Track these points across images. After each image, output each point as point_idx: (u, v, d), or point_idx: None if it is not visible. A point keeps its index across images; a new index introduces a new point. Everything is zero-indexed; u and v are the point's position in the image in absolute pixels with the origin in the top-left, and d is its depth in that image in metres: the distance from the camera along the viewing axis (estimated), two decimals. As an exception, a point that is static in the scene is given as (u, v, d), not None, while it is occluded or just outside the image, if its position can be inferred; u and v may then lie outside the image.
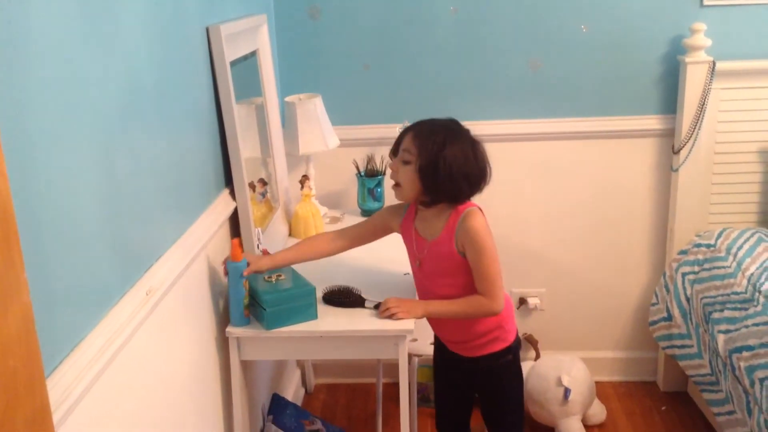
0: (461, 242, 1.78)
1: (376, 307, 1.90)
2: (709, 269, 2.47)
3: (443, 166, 1.72)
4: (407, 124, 2.64)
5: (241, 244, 1.86)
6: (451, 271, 1.82)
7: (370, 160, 2.67)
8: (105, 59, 1.28)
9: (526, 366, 2.69)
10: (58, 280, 1.10)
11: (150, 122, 1.48)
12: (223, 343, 1.89)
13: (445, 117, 1.84)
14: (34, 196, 1.04)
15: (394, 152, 1.83)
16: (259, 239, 2.05)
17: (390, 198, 2.69)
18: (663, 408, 2.80)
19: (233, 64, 1.97)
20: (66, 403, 1.07)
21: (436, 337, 2.05)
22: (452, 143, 1.74)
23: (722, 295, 2.33)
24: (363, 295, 1.94)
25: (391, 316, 1.84)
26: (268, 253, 2.10)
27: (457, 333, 1.93)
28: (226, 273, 1.84)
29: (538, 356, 2.88)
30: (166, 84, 1.58)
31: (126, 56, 1.38)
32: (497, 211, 2.79)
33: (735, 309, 2.23)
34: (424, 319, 2.58)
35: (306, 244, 2.00)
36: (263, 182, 2.32)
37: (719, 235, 2.56)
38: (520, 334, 2.92)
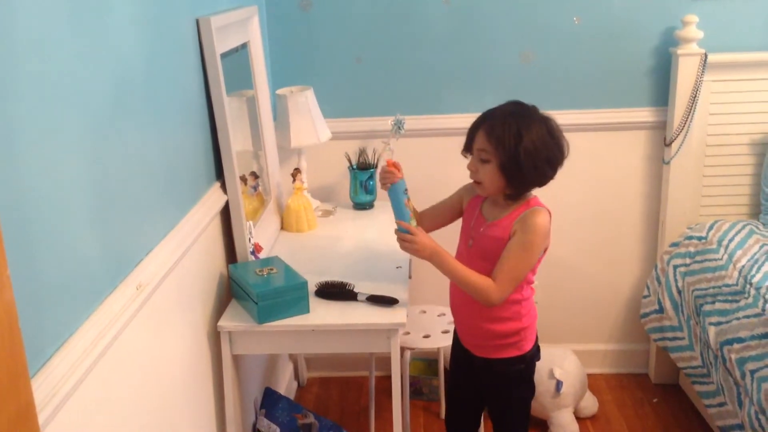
0: (517, 227, 1.74)
1: (369, 300, 1.90)
2: (701, 261, 2.48)
3: (525, 159, 1.67)
4: (399, 117, 2.64)
5: (396, 164, 1.86)
6: (495, 257, 1.77)
7: (362, 152, 2.66)
8: (93, 52, 1.27)
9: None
10: (45, 275, 1.09)
11: (139, 115, 1.47)
12: (215, 338, 1.89)
13: (508, 101, 1.77)
14: (20, 191, 1.03)
15: (467, 149, 1.78)
16: (250, 233, 2.04)
17: (381, 192, 2.68)
18: (654, 400, 2.81)
19: (224, 56, 1.96)
20: (55, 399, 1.06)
21: (454, 331, 2.01)
22: (527, 132, 1.67)
23: (713, 288, 2.33)
24: (355, 289, 1.94)
25: (401, 241, 1.80)
26: (261, 248, 2.10)
27: (476, 331, 1.87)
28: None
29: (530, 349, 2.89)
30: (156, 76, 1.56)
31: (114, 49, 1.36)
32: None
33: (726, 301, 2.24)
34: (417, 314, 2.58)
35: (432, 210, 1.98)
36: (255, 175, 2.30)
37: (711, 228, 2.57)
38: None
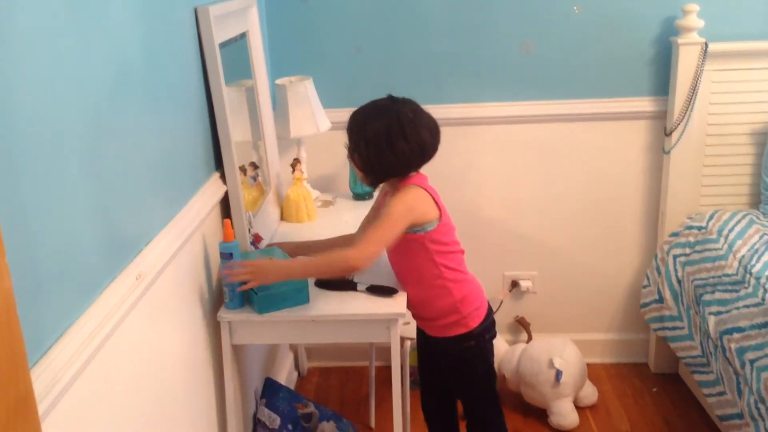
0: (388, 200, 1.83)
1: (369, 290, 1.90)
2: (701, 251, 2.48)
3: (365, 147, 1.79)
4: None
5: (232, 225, 1.85)
6: None
7: (361, 143, 2.66)
8: (91, 41, 1.26)
9: (517, 348, 2.71)
10: (45, 265, 1.09)
11: (138, 105, 1.47)
12: (215, 328, 1.89)
13: (382, 97, 1.87)
14: (19, 180, 1.02)
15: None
16: (250, 223, 2.04)
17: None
18: (654, 389, 2.82)
19: (222, 45, 1.95)
20: (55, 389, 1.06)
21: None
22: (373, 122, 1.79)
23: (713, 277, 2.33)
24: (355, 279, 1.94)
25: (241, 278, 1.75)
26: (261, 239, 2.10)
27: (419, 309, 1.95)
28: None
29: (530, 339, 2.89)
30: (154, 66, 1.56)
31: (113, 38, 1.36)
32: (489, 192, 2.79)
33: (726, 291, 2.24)
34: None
35: (326, 242, 2.04)
36: (254, 166, 2.30)
37: (711, 218, 2.57)
38: (512, 317, 2.95)
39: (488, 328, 1.95)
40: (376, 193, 2.64)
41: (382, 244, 1.77)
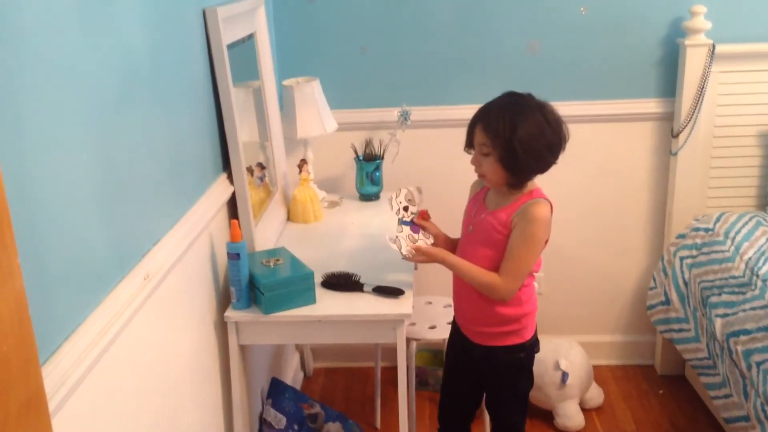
0: (517, 220, 1.77)
1: (375, 291, 1.91)
2: (707, 253, 2.47)
3: (521, 149, 1.70)
4: (406, 107, 2.64)
5: (239, 226, 1.86)
6: (496, 243, 1.80)
7: (368, 143, 2.66)
8: (100, 42, 1.27)
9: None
10: (54, 265, 1.10)
11: (146, 106, 1.48)
12: (222, 328, 1.89)
13: (503, 93, 1.81)
14: (29, 181, 1.03)
15: (469, 145, 1.82)
16: (413, 198, 1.98)
17: (388, 182, 2.69)
18: (660, 391, 2.82)
19: (230, 47, 1.96)
20: (64, 387, 1.07)
21: (453, 322, 2.02)
22: (523, 121, 1.71)
23: (720, 279, 2.33)
24: (361, 280, 1.94)
25: (408, 254, 1.86)
26: (428, 216, 2.01)
27: (477, 318, 1.88)
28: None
29: (536, 340, 2.89)
30: (163, 67, 1.56)
31: (122, 39, 1.36)
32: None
33: (732, 293, 2.24)
34: (422, 305, 2.58)
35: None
36: (261, 166, 2.31)
37: (717, 219, 2.56)
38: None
39: (537, 341, 1.93)
40: (382, 194, 2.65)
41: (527, 274, 1.79)
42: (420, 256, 1.86)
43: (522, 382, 1.93)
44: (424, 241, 1.93)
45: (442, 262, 1.84)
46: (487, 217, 1.82)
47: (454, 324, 2.01)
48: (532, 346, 1.90)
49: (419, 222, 1.93)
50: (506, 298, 1.79)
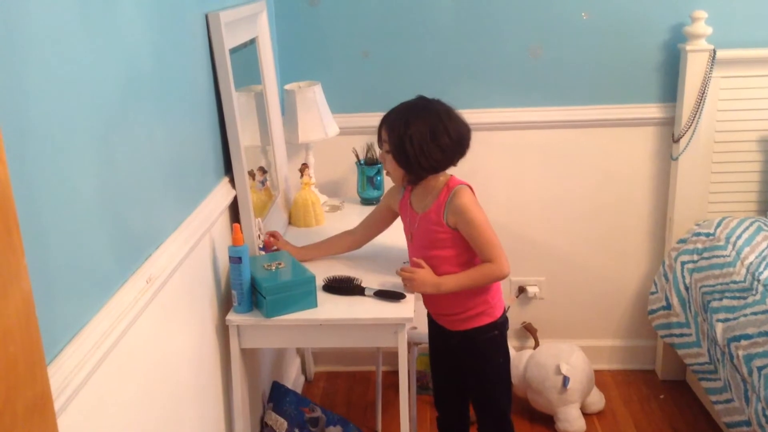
0: (452, 219, 1.87)
1: (376, 294, 1.91)
2: (709, 258, 2.47)
3: (410, 144, 1.83)
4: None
5: (241, 230, 1.87)
6: (439, 242, 1.90)
7: (369, 148, 2.67)
8: (103, 46, 1.28)
9: (524, 354, 2.70)
10: (58, 267, 1.10)
11: (149, 110, 1.48)
12: (224, 331, 1.89)
13: (413, 98, 1.94)
14: (33, 184, 1.04)
15: (379, 142, 1.96)
16: (260, 229, 2.05)
17: (389, 187, 2.69)
18: (661, 396, 2.81)
19: (232, 51, 1.97)
20: (68, 389, 1.07)
21: (428, 314, 2.10)
22: (415, 120, 1.84)
23: (721, 284, 2.33)
24: (363, 284, 1.95)
25: (404, 281, 1.92)
26: (274, 237, 2.11)
27: (444, 304, 1.98)
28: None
29: (537, 345, 2.89)
30: (165, 71, 1.57)
31: (124, 43, 1.37)
32: (497, 198, 2.80)
33: (734, 298, 2.24)
34: (424, 309, 2.58)
35: (328, 241, 2.15)
36: (263, 170, 2.31)
37: (718, 224, 2.56)
38: (519, 322, 2.95)
39: (506, 318, 2.02)
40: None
41: (499, 243, 1.88)
42: (414, 283, 1.91)
43: (501, 360, 2.02)
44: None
45: (437, 290, 1.90)
46: (421, 222, 1.94)
47: (429, 316, 2.10)
48: (503, 323, 2.00)
49: (272, 242, 2.10)
50: (508, 270, 1.87)
